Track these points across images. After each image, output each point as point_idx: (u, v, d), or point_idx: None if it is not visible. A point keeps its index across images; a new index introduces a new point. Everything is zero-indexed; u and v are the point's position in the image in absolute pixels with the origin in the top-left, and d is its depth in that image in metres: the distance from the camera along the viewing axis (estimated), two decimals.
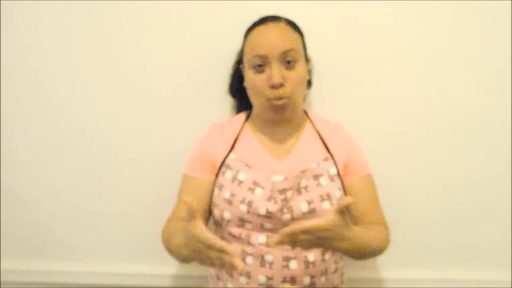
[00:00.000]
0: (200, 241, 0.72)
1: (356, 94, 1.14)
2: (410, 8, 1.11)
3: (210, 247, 0.71)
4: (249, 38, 0.97)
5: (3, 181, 1.21)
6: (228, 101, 1.14)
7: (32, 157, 1.19)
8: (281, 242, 0.75)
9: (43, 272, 1.23)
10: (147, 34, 1.13)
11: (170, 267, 1.23)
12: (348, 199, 0.74)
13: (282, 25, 0.96)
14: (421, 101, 1.14)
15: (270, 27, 0.95)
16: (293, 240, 0.76)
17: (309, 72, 1.04)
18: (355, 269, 1.18)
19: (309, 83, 1.08)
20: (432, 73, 1.13)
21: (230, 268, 0.71)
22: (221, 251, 0.70)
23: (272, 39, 0.92)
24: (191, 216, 0.73)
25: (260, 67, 0.93)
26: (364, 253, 0.90)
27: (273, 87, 0.91)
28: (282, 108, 0.93)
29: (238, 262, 0.69)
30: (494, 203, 1.18)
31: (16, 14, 1.13)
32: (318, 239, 0.77)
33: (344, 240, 0.79)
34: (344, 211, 0.76)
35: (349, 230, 0.79)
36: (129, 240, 1.22)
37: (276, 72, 0.91)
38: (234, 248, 0.70)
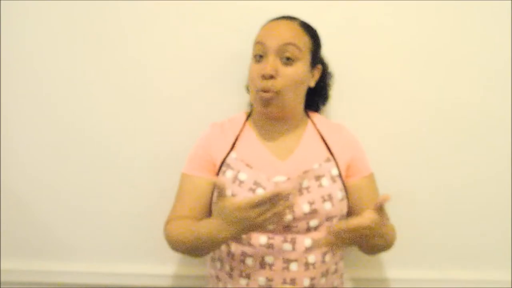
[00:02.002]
0: (248, 207, 0.76)
1: (356, 94, 1.14)
2: (410, 8, 1.11)
3: (260, 204, 0.75)
4: (260, 29, 0.97)
5: (3, 181, 1.21)
6: (228, 101, 1.14)
7: (32, 157, 1.19)
8: (327, 242, 0.79)
9: (43, 272, 1.23)
10: (147, 34, 1.13)
11: (170, 267, 1.23)
12: (385, 196, 0.77)
13: (293, 24, 0.95)
14: (421, 101, 1.14)
15: (280, 22, 0.96)
16: (339, 239, 0.79)
17: (317, 80, 1.01)
18: (355, 269, 1.18)
19: (324, 94, 1.08)
20: (432, 73, 1.13)
21: (282, 213, 0.78)
22: (273, 197, 0.75)
23: (276, 31, 0.93)
24: (220, 194, 0.78)
25: (260, 57, 0.93)
26: (384, 248, 0.95)
27: (264, 77, 0.91)
28: (267, 101, 0.92)
29: (292, 201, 0.77)
30: (494, 203, 1.18)
31: (16, 14, 1.13)
32: (359, 237, 0.80)
33: (380, 236, 0.83)
34: (383, 209, 0.78)
35: (385, 227, 0.82)
36: (129, 240, 1.22)
37: (270, 63, 0.91)
38: (279, 188, 0.76)
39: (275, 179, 0.93)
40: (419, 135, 1.16)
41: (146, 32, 1.13)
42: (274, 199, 0.76)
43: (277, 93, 0.92)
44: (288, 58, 0.92)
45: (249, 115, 1.05)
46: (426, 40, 1.12)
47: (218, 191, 0.78)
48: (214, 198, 0.79)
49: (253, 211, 0.77)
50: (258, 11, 1.04)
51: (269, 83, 0.91)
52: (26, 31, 1.14)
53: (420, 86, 1.14)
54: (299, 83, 0.95)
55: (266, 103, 0.93)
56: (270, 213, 0.77)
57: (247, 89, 1.08)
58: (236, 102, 1.13)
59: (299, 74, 0.94)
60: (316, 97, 1.07)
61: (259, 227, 0.80)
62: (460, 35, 1.12)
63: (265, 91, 0.91)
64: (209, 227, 0.83)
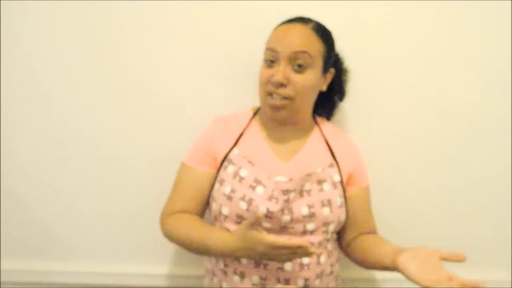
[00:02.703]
0: (271, 246, 0.79)
1: (356, 94, 1.14)
2: (410, 8, 1.10)
3: (284, 248, 0.79)
4: (273, 32, 0.96)
5: (3, 181, 1.21)
6: (228, 101, 1.14)
7: (32, 157, 1.19)
8: None
9: (43, 272, 1.23)
10: (147, 34, 1.13)
11: (170, 267, 1.23)
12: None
13: (307, 28, 0.93)
14: (421, 101, 1.14)
15: (293, 26, 0.93)
16: None
17: (330, 84, 1.01)
18: (353, 269, 1.17)
19: (341, 93, 1.08)
20: (432, 73, 1.13)
21: (305, 254, 0.80)
22: (297, 248, 0.79)
23: (288, 38, 0.91)
24: (255, 224, 0.80)
25: (271, 62, 0.92)
26: None
27: (274, 84, 0.91)
28: (279, 108, 0.93)
29: (313, 250, 0.79)
30: (494, 203, 1.18)
31: (16, 14, 1.13)
32: None
33: None
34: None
35: None
36: (129, 240, 1.22)
37: (280, 70, 0.90)
38: (305, 242, 0.80)
39: (276, 179, 0.93)
40: (419, 135, 1.16)
41: (146, 32, 1.13)
42: (298, 249, 0.79)
43: (289, 100, 0.92)
44: (299, 65, 0.91)
45: (255, 113, 1.04)
46: (426, 40, 1.12)
47: (254, 221, 0.80)
48: (250, 226, 0.81)
49: (276, 250, 0.80)
50: (259, 11, 1.04)
51: (279, 91, 0.91)
52: (26, 31, 1.13)
53: (420, 87, 1.14)
54: (310, 90, 0.94)
55: (278, 109, 0.93)
56: (289, 256, 0.81)
57: None
58: (236, 102, 1.13)
59: (310, 81, 0.93)
60: (333, 95, 1.07)
61: (274, 260, 0.84)
62: (460, 35, 1.12)
63: (275, 98, 0.92)
64: (225, 243, 0.86)
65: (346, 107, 1.15)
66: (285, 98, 0.92)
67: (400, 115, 1.15)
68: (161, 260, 1.21)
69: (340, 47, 1.12)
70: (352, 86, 1.14)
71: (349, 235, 1.02)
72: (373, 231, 1.03)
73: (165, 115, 1.16)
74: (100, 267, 1.23)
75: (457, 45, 1.12)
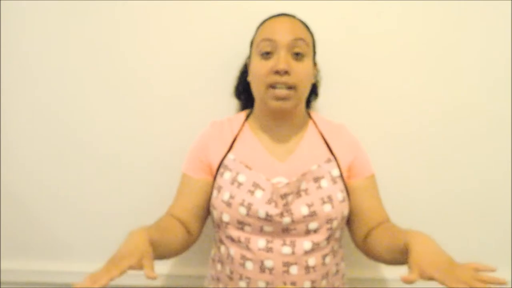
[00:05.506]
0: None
1: (359, 96, 1.14)
2: (413, 11, 1.10)
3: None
4: (260, 27, 0.96)
5: (3, 181, 1.21)
6: (229, 102, 1.13)
7: (32, 157, 1.19)
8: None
9: (43, 272, 1.23)
10: (146, 35, 1.13)
11: (169, 267, 1.23)
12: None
13: (296, 20, 0.95)
14: (423, 102, 1.14)
15: (283, 18, 0.95)
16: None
17: (315, 77, 1.01)
18: (356, 269, 1.18)
19: (315, 91, 1.07)
20: (433, 74, 1.13)
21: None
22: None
23: (284, 26, 0.92)
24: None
25: (267, 54, 0.91)
26: None
27: (278, 73, 0.88)
28: (284, 98, 0.90)
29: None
30: (494, 203, 1.18)
31: (16, 14, 1.12)
32: None
33: None
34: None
35: None
36: None
37: (283, 58, 0.88)
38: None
39: (274, 180, 0.92)
40: (420, 135, 1.16)
41: (145, 33, 1.13)
42: None
43: (292, 89, 0.90)
44: (298, 54, 0.90)
45: (248, 115, 1.03)
46: (428, 42, 1.12)
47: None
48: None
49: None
50: (261, 12, 1.04)
51: (283, 79, 0.89)
52: (26, 31, 1.13)
53: (421, 88, 1.14)
54: (309, 79, 0.95)
55: (283, 99, 0.90)
56: None
57: (236, 92, 1.08)
58: (236, 102, 1.13)
59: (309, 69, 0.93)
60: (310, 95, 1.05)
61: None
62: (460, 35, 1.11)
63: (280, 87, 0.89)
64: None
65: (348, 108, 1.14)
66: (289, 88, 0.90)
67: (402, 116, 1.15)
68: (161, 260, 1.21)
69: (344, 49, 1.12)
70: (353, 87, 1.14)
71: (362, 229, 0.97)
72: (386, 220, 0.98)
73: (165, 115, 1.16)
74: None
75: (457, 46, 1.12)
